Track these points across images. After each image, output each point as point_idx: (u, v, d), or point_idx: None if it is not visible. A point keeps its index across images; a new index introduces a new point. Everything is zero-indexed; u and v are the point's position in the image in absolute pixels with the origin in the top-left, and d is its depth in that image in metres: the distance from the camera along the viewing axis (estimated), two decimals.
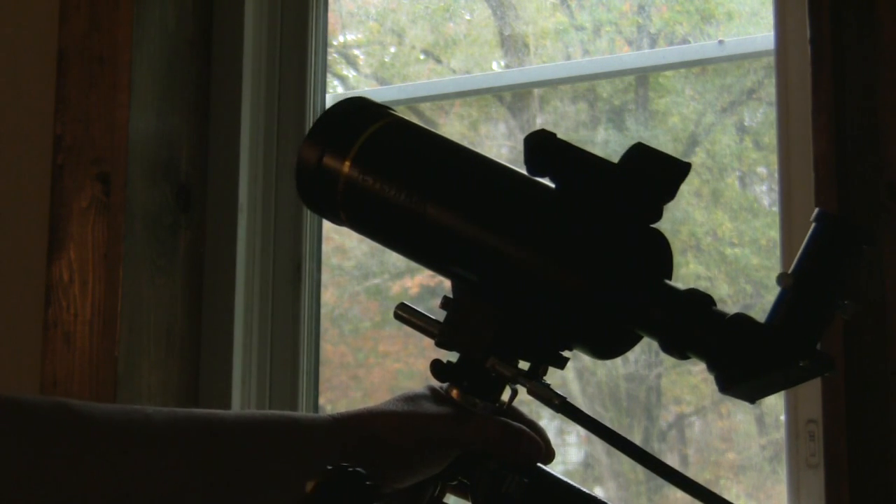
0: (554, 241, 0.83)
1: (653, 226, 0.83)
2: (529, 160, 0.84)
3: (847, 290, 0.76)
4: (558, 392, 0.83)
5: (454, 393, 0.88)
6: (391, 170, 0.88)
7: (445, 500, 0.92)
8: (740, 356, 0.76)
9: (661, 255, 0.84)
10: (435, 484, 0.90)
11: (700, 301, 0.80)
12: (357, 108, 0.92)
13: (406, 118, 0.93)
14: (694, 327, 0.79)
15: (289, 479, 0.85)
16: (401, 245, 0.92)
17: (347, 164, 0.89)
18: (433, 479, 0.89)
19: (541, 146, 0.84)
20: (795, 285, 0.76)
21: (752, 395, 0.80)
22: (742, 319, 0.77)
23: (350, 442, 0.87)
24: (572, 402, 0.83)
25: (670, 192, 0.81)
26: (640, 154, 0.82)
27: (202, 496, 0.84)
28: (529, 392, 0.85)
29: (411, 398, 0.90)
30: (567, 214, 0.84)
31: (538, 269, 0.82)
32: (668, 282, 0.82)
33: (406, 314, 0.90)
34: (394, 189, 0.87)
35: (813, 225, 0.76)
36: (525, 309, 0.85)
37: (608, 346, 0.85)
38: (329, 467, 0.70)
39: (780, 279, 0.76)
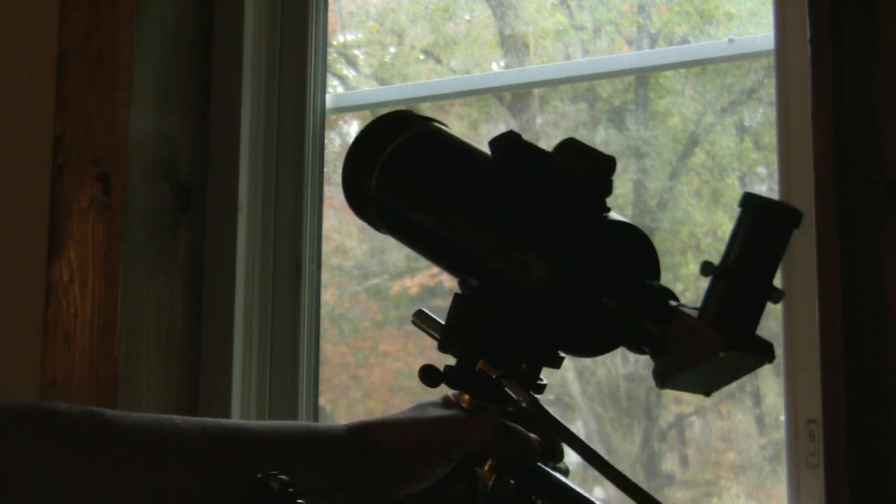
0: (510, 239, 0.84)
1: (633, 223, 0.83)
2: (495, 162, 0.87)
3: (775, 274, 0.73)
4: (551, 394, 0.83)
5: (464, 398, 0.90)
6: (403, 181, 0.94)
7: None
8: (671, 348, 0.75)
9: (630, 248, 0.83)
10: (453, 486, 0.91)
11: (655, 293, 0.79)
12: (393, 121, 0.97)
13: (439, 128, 0.97)
14: (642, 319, 0.78)
15: (310, 489, 0.86)
16: (415, 249, 0.95)
17: (374, 175, 0.94)
18: (444, 480, 0.91)
19: (503, 147, 0.85)
20: (726, 273, 0.72)
21: (697, 387, 0.77)
22: (677, 311, 0.76)
23: (357, 451, 0.89)
24: (565, 403, 0.83)
25: (604, 186, 0.81)
26: (570, 149, 0.82)
27: None
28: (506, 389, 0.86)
29: (421, 406, 0.93)
30: (521, 211, 0.85)
31: (502, 268, 0.84)
32: (649, 279, 0.82)
33: (420, 321, 0.92)
34: (404, 198, 0.93)
35: (740, 210, 0.73)
36: (504, 311, 0.85)
37: (583, 343, 0.84)
38: (258, 475, 0.72)
39: (705, 268, 0.73)
